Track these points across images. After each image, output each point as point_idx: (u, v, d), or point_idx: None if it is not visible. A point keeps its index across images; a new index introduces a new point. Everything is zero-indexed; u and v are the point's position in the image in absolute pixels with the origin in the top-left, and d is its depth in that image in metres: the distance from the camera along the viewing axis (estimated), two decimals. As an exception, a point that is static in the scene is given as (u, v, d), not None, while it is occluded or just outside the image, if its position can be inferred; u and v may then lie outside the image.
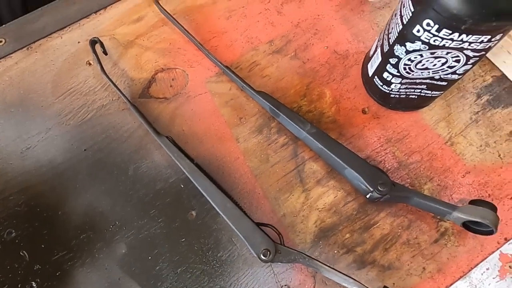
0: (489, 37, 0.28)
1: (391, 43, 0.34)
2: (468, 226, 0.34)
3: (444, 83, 0.35)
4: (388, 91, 0.38)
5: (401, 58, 0.33)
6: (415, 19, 0.30)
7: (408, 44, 0.31)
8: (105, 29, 0.43)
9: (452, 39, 0.28)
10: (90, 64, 0.41)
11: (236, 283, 0.34)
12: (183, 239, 0.35)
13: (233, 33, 0.43)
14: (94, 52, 0.39)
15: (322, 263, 0.32)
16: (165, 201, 0.37)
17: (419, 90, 0.36)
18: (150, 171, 0.38)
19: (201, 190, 0.34)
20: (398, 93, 0.37)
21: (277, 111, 0.38)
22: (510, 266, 0.35)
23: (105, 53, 0.41)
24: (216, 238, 0.35)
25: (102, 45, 0.40)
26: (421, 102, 0.39)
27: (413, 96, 0.37)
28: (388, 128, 0.39)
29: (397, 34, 0.32)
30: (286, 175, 0.37)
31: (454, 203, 0.36)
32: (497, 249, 0.35)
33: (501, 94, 0.40)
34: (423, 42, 0.30)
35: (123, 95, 0.38)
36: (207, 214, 0.36)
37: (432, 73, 0.33)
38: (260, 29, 0.43)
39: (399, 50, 0.33)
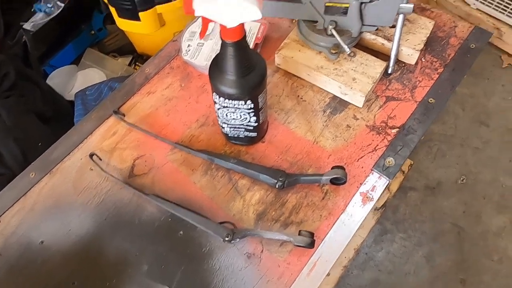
0: (242, 102, 0.53)
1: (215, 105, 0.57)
2: (334, 182, 0.59)
3: (251, 128, 0.59)
4: (226, 133, 0.63)
5: (218, 114, 0.58)
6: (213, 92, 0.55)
7: (216, 106, 0.57)
8: (95, 146, 0.68)
9: (225, 103, 0.54)
10: (92, 169, 0.66)
11: (216, 262, 0.56)
12: (176, 249, 0.58)
13: (173, 122, 0.69)
14: (94, 161, 0.64)
15: (262, 231, 0.56)
16: (161, 231, 0.59)
17: (242, 131, 0.61)
18: (148, 217, 0.61)
19: (182, 216, 0.58)
20: (232, 133, 0.62)
21: (212, 157, 0.63)
22: (367, 197, 0.59)
23: (99, 159, 0.65)
24: (199, 241, 0.58)
25: (96, 156, 0.65)
26: (250, 140, 0.63)
27: (242, 136, 0.62)
28: (279, 146, 0.65)
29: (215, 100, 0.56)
30: (229, 192, 0.62)
31: (327, 174, 0.61)
32: (357, 189, 0.60)
33: (336, 106, 0.68)
34: (218, 104, 0.55)
35: (119, 180, 0.62)
36: (189, 231, 0.59)
37: (240, 122, 0.58)
38: (189, 114, 0.69)
39: (217, 109, 0.57)
